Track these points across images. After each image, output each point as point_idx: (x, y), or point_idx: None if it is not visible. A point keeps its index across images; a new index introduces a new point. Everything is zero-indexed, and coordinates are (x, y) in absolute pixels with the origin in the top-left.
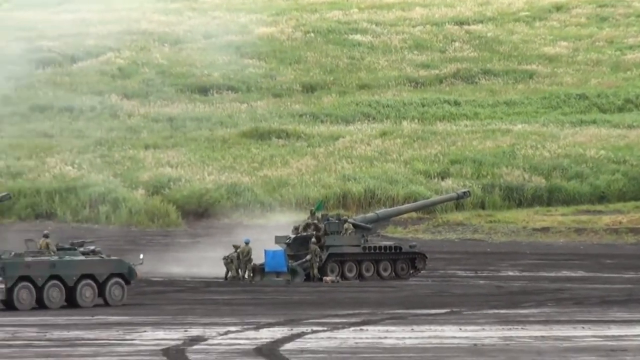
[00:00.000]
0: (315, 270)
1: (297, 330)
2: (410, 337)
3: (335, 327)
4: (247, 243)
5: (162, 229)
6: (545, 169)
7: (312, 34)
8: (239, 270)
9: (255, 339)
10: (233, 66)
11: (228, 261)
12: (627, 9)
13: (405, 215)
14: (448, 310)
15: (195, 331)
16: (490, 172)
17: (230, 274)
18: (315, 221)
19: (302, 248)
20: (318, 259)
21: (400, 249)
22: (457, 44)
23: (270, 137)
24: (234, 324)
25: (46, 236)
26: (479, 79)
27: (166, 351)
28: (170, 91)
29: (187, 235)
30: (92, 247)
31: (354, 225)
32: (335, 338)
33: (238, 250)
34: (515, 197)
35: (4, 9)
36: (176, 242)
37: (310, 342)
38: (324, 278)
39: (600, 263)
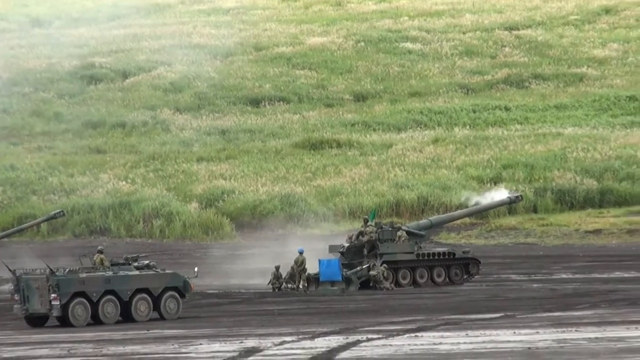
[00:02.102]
0: (382, 279)
1: (352, 338)
2: (465, 342)
3: (390, 334)
4: (301, 253)
5: (216, 241)
6: (597, 172)
7: (363, 43)
8: (292, 280)
9: (311, 348)
10: (284, 77)
11: (274, 281)
12: None
13: (458, 221)
14: (502, 314)
15: (250, 342)
16: (542, 176)
17: (279, 284)
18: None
19: (356, 257)
20: (374, 271)
21: (454, 254)
22: (507, 49)
23: (322, 147)
24: (290, 334)
25: (100, 252)
26: (530, 83)
27: None
28: (222, 104)
29: (242, 247)
30: (146, 262)
31: (408, 233)
32: (391, 345)
33: (285, 267)
34: (567, 200)
35: (56, 26)
36: (230, 254)
37: (366, 350)
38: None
39: None
